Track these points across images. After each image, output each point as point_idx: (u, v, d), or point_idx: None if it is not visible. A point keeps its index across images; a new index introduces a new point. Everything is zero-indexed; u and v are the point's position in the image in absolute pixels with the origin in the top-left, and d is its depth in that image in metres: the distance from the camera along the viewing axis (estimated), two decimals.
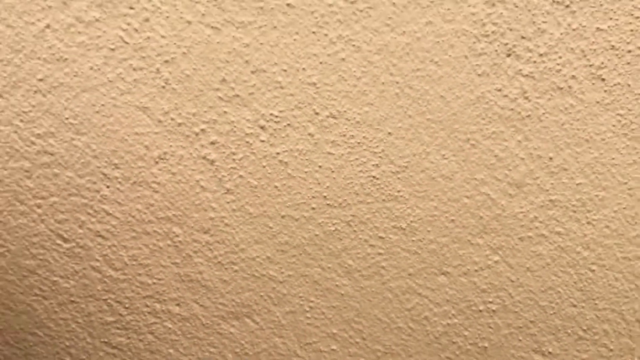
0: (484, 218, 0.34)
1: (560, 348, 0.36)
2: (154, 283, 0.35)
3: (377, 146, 0.33)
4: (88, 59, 0.33)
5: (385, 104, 0.33)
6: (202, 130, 0.33)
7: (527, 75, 0.32)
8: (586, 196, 0.34)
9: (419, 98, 0.33)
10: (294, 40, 0.33)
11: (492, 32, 0.33)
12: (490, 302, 0.35)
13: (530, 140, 0.33)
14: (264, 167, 0.34)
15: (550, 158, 0.33)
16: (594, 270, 0.35)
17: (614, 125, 0.33)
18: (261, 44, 0.33)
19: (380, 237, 0.34)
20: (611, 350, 0.36)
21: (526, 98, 0.33)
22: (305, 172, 0.34)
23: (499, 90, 0.33)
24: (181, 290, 0.35)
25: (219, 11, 0.33)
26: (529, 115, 0.33)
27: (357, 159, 0.34)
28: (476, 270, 0.35)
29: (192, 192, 0.34)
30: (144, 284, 0.35)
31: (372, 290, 0.35)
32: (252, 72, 0.33)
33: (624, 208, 0.34)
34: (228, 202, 0.34)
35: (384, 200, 0.34)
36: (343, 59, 0.33)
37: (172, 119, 0.33)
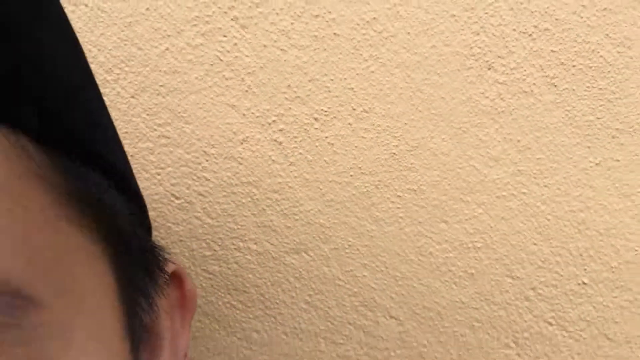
0: (471, 182, 0.46)
1: (525, 274, 0.48)
2: (238, 228, 0.48)
3: (397, 132, 0.45)
4: (194, 71, 0.45)
5: (402, 103, 0.45)
6: (273, 121, 0.45)
7: (502, 82, 0.44)
8: (543, 167, 0.46)
9: (426, 99, 0.44)
10: (339, 58, 0.44)
11: (477, 53, 0.44)
12: (476, 242, 0.47)
13: (504, 128, 0.45)
14: (317, 146, 0.45)
15: (518, 140, 0.45)
16: (549, 220, 0.47)
17: (563, 118, 0.45)
18: (315, 61, 0.44)
19: (399, 196, 0.46)
20: (562, 275, 0.48)
21: (501, 99, 0.44)
22: (346, 150, 0.46)
23: (482, 93, 0.44)
24: (257, 233, 0.47)
25: (286, 38, 0.44)
26: (503, 111, 0.44)
27: (382, 141, 0.45)
28: (466, 219, 0.47)
29: (265, 164, 0.46)
30: (231, 228, 0.48)
31: (393, 233, 0.47)
32: (309, 81, 0.44)
33: (570, 175, 0.46)
34: (291, 171, 0.46)
35: (401, 170, 0.46)
36: (372, 72, 0.44)
37: (252, 113, 0.45)
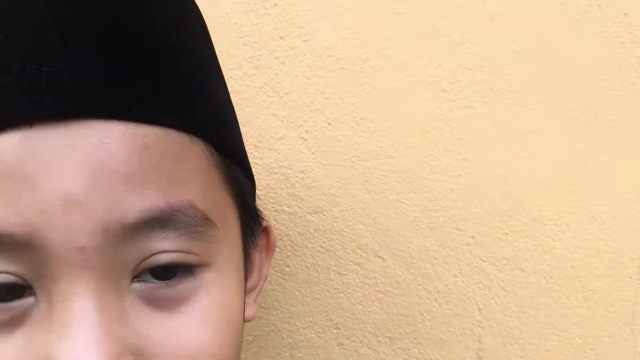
0: (432, 166, 0.52)
1: (467, 227, 0.53)
2: (276, 196, 0.56)
3: (382, 132, 0.51)
4: (249, 92, 0.52)
5: (386, 113, 0.53)
6: (301, 125, 0.54)
7: (452, 100, 0.53)
8: (478, 156, 0.51)
9: (402, 110, 0.51)
10: (345, 83, 0.51)
11: (436, 80, 0.51)
12: (435, 206, 0.52)
13: (453, 130, 0.51)
14: (329, 142, 0.54)
15: (462, 138, 0.51)
16: (483, 191, 0.55)
17: (490, 123, 0.53)
18: (329, 85, 0.52)
19: (384, 175, 0.51)
20: (491, 228, 0.52)
21: (451, 111, 0.53)
22: (349, 145, 0.52)
23: (439, 107, 0.51)
24: (289, 200, 0.55)
25: (310, 70, 0.56)
26: (452, 119, 0.51)
27: (373, 138, 0.51)
28: (428, 191, 0.53)
29: (295, 154, 0.54)
30: (272, 197, 0.56)
31: (379, 200, 0.52)
32: (325, 98, 0.52)
33: (496, 161, 0.51)
34: (313, 159, 0.53)
35: (385, 158, 0.52)
36: (367, 93, 0.54)
37: (287, 120, 0.53)
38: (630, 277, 0.60)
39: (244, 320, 0.42)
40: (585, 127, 0.59)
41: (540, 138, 0.59)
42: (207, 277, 0.35)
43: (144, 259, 0.33)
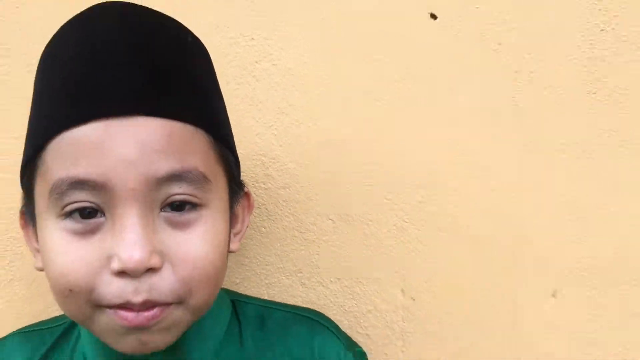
0: (366, 143, 0.62)
1: (395, 196, 0.62)
2: (255, 176, 0.60)
3: (331, 126, 0.62)
4: (235, 101, 0.61)
5: (330, 116, 0.63)
6: (272, 124, 0.65)
7: (386, 105, 0.63)
8: (405, 136, 0.62)
9: (343, 108, 0.61)
10: (303, 93, 0.62)
11: (371, 90, 0.66)
12: (370, 182, 0.63)
13: (388, 118, 0.65)
14: (293, 135, 0.63)
15: (393, 132, 0.68)
16: (405, 161, 0.62)
17: (410, 123, 0.64)
18: (292, 96, 0.63)
19: (335, 155, 0.63)
20: (408, 194, 0.65)
21: (383, 114, 0.62)
22: (308, 137, 0.62)
23: (372, 111, 0.63)
24: (264, 178, 0.62)
25: (279, 86, 0.63)
26: (387, 119, 0.62)
27: (324, 130, 0.62)
28: (366, 163, 0.65)
29: (268, 144, 0.63)
30: (251, 177, 0.60)
31: (332, 173, 0.61)
32: (289, 105, 0.63)
33: (416, 138, 0.63)
34: (280, 149, 0.63)
35: (335, 145, 0.63)
36: (320, 97, 0.63)
37: (262, 121, 0.63)
38: (512, 228, 0.71)
39: (230, 251, 0.55)
40: (476, 121, 0.70)
41: (444, 131, 0.70)
42: (205, 213, 0.49)
43: (167, 198, 0.47)
